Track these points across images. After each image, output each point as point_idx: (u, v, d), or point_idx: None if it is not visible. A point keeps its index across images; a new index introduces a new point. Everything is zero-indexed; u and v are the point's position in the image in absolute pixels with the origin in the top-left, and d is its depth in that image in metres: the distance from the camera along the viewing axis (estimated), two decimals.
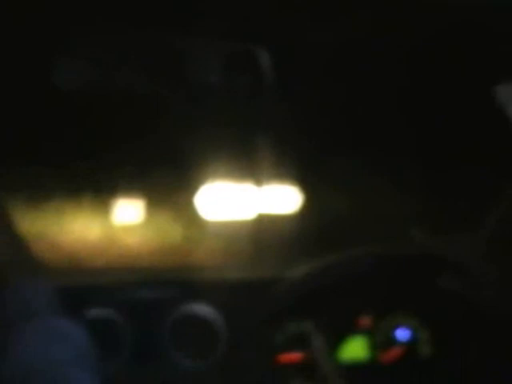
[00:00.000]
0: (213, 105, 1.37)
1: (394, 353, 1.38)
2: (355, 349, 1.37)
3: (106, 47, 1.20)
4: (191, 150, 1.52)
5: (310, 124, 1.52)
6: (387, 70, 1.32)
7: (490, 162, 1.41)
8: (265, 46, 1.23)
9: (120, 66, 1.21)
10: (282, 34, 1.18)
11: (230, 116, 1.45)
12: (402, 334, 1.39)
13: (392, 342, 1.38)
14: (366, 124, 1.54)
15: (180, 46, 1.20)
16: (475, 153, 1.48)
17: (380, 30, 1.16)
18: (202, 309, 1.29)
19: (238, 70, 1.26)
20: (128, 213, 1.58)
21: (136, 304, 1.27)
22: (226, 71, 1.25)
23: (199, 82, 1.27)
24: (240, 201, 1.58)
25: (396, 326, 1.38)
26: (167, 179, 1.55)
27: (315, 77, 1.34)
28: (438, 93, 1.40)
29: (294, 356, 1.34)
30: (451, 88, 1.36)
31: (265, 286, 1.31)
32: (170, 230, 1.60)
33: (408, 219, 1.58)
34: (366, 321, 1.37)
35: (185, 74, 1.25)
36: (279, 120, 1.49)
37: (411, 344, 1.39)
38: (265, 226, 1.57)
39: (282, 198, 1.60)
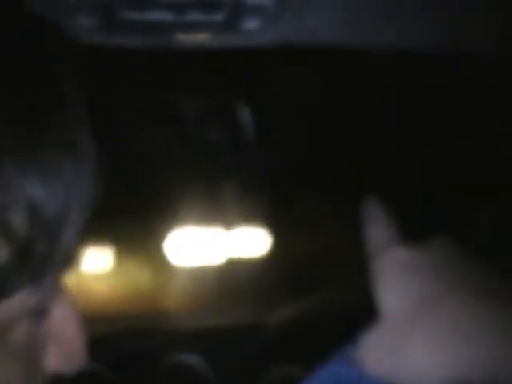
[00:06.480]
0: (186, 153, 1.37)
1: None
2: None
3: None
4: (159, 196, 1.51)
5: (278, 168, 1.53)
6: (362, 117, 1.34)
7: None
8: (245, 101, 1.24)
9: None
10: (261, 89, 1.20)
11: (198, 162, 1.45)
12: None
13: None
14: (335, 169, 1.54)
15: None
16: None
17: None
18: (187, 358, 1.29)
19: (216, 123, 1.27)
20: (97, 261, 1.56)
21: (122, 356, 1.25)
22: (205, 124, 1.26)
23: (179, 134, 1.27)
24: (209, 245, 1.58)
25: None
26: (136, 226, 1.54)
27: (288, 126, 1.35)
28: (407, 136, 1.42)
29: None
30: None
31: (244, 332, 1.31)
32: (139, 277, 1.58)
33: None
34: None
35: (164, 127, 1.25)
36: (247, 165, 1.50)
37: None
38: (234, 269, 1.58)
39: (251, 242, 1.61)
